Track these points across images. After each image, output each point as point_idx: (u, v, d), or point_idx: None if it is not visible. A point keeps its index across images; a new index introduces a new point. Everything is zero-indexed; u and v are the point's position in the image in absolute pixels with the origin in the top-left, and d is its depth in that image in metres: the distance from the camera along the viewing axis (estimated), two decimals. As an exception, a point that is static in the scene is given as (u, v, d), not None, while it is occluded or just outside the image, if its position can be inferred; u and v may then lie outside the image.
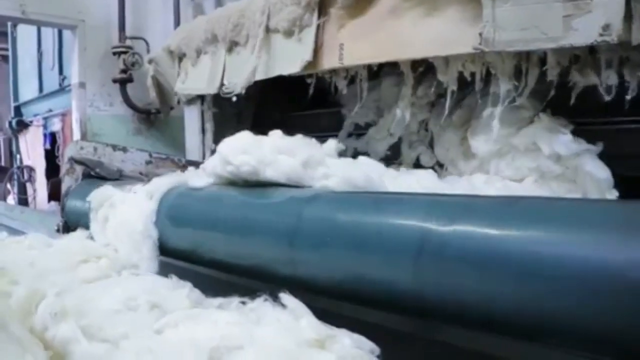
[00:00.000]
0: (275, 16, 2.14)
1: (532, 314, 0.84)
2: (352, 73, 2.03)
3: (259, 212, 1.41)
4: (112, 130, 4.50)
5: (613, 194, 1.51)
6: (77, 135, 4.48)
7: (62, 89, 5.26)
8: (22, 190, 6.24)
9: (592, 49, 1.44)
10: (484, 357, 1.09)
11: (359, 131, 2.35)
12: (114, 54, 4.38)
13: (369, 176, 1.43)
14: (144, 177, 2.44)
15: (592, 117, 1.66)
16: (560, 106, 1.63)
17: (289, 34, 2.11)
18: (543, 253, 0.83)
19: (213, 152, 1.89)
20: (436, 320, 1.06)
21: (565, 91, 1.57)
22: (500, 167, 1.72)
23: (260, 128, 1.58)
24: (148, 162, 2.63)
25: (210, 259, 1.57)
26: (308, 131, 1.60)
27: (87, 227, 2.00)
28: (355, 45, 1.89)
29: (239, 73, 2.35)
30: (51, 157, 5.50)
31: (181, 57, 2.80)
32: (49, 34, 5.45)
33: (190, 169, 2.09)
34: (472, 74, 1.65)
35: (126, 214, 1.78)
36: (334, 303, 1.21)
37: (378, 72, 2.12)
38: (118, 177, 2.52)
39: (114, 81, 4.43)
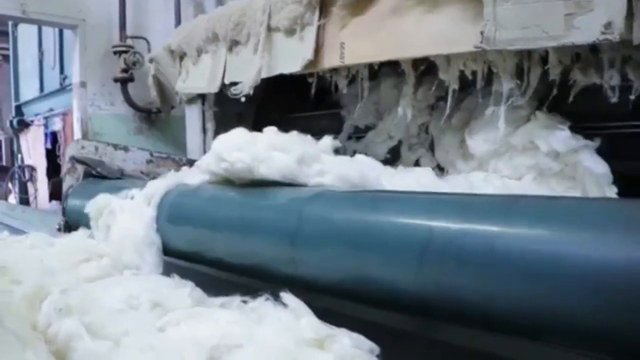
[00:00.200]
0: (277, 15, 2.14)
1: (536, 313, 0.84)
2: (354, 72, 2.02)
3: (260, 211, 1.41)
4: (113, 130, 4.50)
5: (612, 190, 1.51)
6: (78, 134, 4.48)
7: (63, 89, 5.26)
8: (23, 190, 6.23)
9: (593, 48, 1.44)
10: (485, 356, 1.09)
11: (359, 134, 2.35)
12: (115, 53, 4.38)
13: (364, 173, 1.42)
14: (145, 177, 2.44)
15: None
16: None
17: (290, 32, 2.11)
18: (547, 252, 0.83)
19: (214, 151, 1.89)
20: (438, 319, 1.06)
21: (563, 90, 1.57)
22: (498, 167, 1.72)
23: (261, 128, 1.57)
24: (149, 161, 2.64)
25: (212, 259, 1.57)
26: (308, 132, 1.60)
27: (88, 226, 2.00)
28: (356, 44, 1.89)
29: (241, 72, 2.35)
30: (52, 156, 5.50)
31: (182, 56, 2.80)
32: (49, 34, 5.45)
33: (184, 168, 2.09)
34: (474, 73, 1.65)
35: (127, 222, 1.77)
36: (335, 302, 1.21)
37: (376, 74, 2.11)
38: (119, 177, 2.53)
39: (115, 80, 4.43)
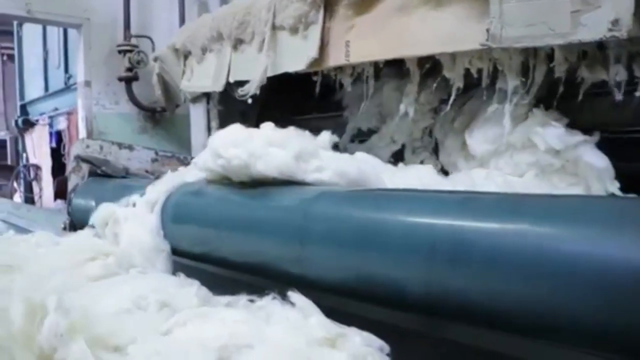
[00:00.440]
0: (281, 13, 2.14)
1: (545, 312, 0.83)
2: (359, 70, 2.02)
3: (267, 210, 1.40)
4: (118, 129, 4.51)
5: (615, 185, 1.50)
6: (82, 133, 4.50)
7: (68, 88, 5.27)
8: (29, 189, 6.26)
9: (600, 45, 1.43)
10: (491, 355, 1.08)
11: (362, 137, 2.34)
12: (120, 52, 4.39)
13: (362, 169, 1.40)
14: (150, 175, 2.45)
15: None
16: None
17: (294, 31, 2.10)
18: (555, 251, 0.82)
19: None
20: (445, 318, 1.06)
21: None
22: (499, 165, 1.71)
23: (265, 127, 1.56)
24: (154, 160, 2.64)
25: (217, 258, 1.57)
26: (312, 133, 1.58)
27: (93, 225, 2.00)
28: (361, 42, 1.89)
29: (245, 71, 2.35)
30: (57, 155, 5.52)
31: (186, 55, 2.80)
32: (54, 33, 5.46)
33: (181, 168, 2.07)
34: (479, 71, 1.64)
35: (132, 230, 1.74)
36: (341, 301, 1.21)
37: (379, 75, 2.10)
38: (124, 175, 2.53)
39: (120, 79, 4.44)
